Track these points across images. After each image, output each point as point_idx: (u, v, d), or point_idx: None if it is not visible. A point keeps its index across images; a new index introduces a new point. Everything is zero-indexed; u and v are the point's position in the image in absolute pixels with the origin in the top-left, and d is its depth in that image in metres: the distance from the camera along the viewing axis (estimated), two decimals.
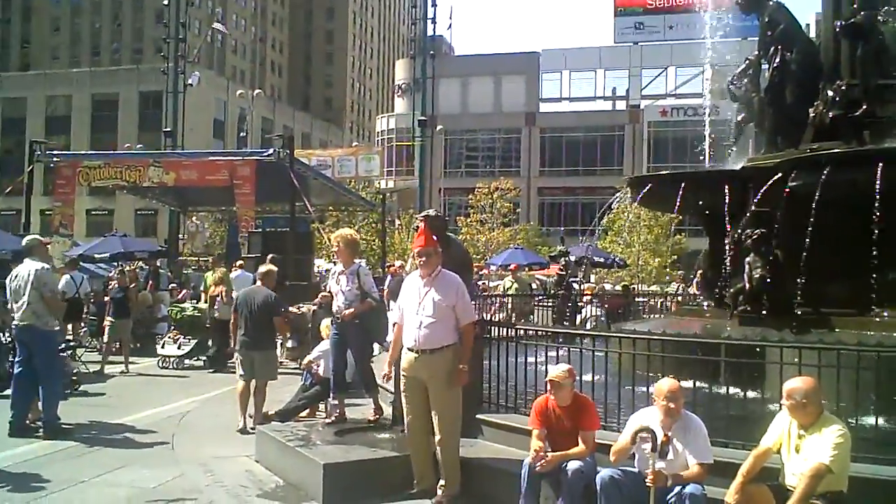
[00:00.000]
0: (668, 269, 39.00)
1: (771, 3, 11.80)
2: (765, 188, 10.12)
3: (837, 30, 10.65)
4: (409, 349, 6.61)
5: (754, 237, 10.21)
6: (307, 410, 9.94)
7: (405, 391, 6.75)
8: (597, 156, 60.47)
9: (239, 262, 18.59)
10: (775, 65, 11.46)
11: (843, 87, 10.72)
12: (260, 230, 23.79)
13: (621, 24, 61.50)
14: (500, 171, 57.49)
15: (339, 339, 8.63)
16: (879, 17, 10.40)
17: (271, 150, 22.22)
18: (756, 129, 12.20)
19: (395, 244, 38.16)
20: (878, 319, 9.71)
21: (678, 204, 10.71)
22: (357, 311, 8.42)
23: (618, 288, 24.22)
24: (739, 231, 10.49)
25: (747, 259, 10.45)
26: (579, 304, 17.68)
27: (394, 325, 7.10)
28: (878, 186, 8.65)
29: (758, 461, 5.31)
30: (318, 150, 63.02)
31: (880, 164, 8.78)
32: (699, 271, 12.68)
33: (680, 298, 18.34)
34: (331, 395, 9.00)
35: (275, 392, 10.54)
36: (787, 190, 9.78)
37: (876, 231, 9.17)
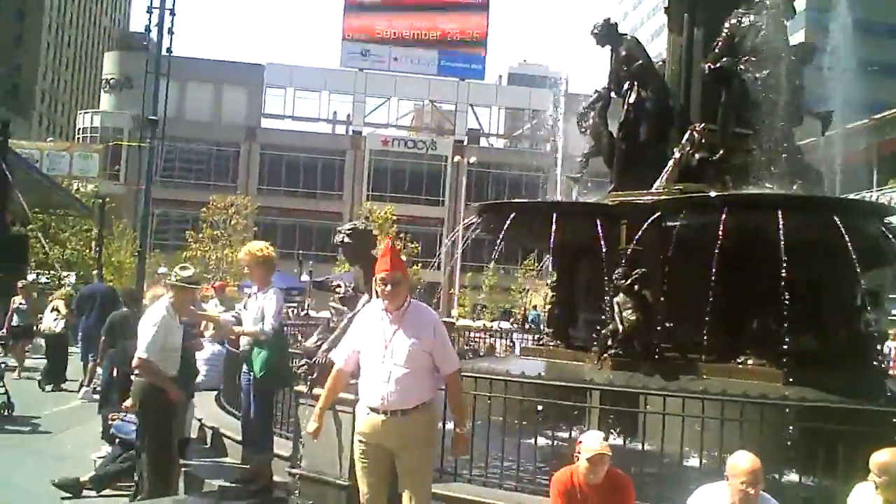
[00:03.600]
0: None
1: (628, 37, 11.64)
2: (644, 227, 9.72)
3: (706, 73, 10.58)
4: (372, 409, 4.93)
5: (632, 278, 9.72)
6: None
7: (364, 462, 5.04)
8: (317, 179, 59.37)
9: None
10: (631, 101, 11.23)
11: (707, 131, 10.70)
12: None
13: (348, 49, 61.34)
14: (215, 186, 54.23)
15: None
16: (740, 66, 10.49)
17: None
18: (605, 163, 11.87)
19: (110, 256, 33.66)
20: (741, 367, 9.66)
21: (552, 235, 9.90)
22: (248, 333, 6.76)
23: None
24: (612, 271, 9.97)
25: (616, 300, 9.96)
26: None
27: (337, 370, 5.33)
28: (780, 233, 8.44)
29: None
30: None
31: (779, 211, 8.60)
32: (548, 308, 12.03)
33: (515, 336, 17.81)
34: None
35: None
36: (673, 230, 9.41)
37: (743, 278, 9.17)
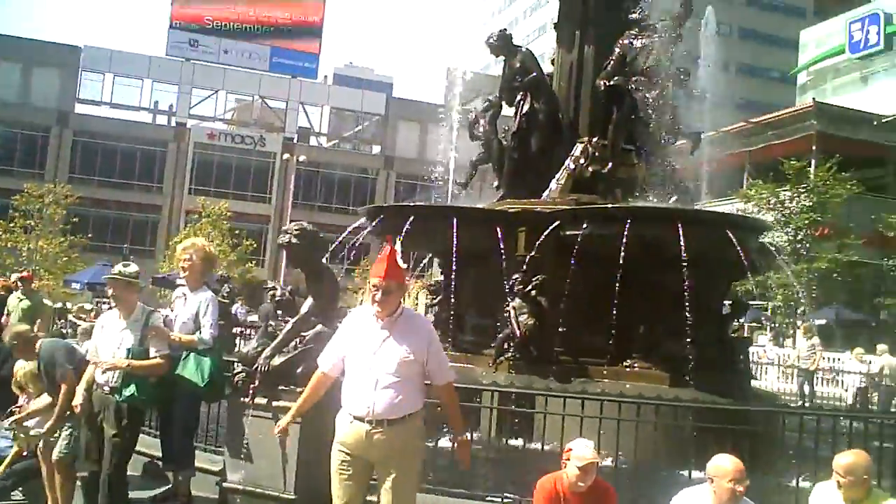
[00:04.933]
0: None
1: (523, 49, 11.92)
2: (545, 234, 10.01)
3: (601, 89, 11.03)
4: (356, 418, 4.69)
5: (533, 283, 9.98)
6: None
7: (343, 474, 4.80)
8: (135, 169, 56.08)
9: None
10: (524, 112, 11.53)
11: (600, 145, 11.16)
12: None
13: (175, 38, 58.45)
14: (20, 173, 49.91)
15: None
16: (631, 85, 11.02)
17: None
18: (494, 171, 12.09)
19: None
20: (629, 370, 10.16)
21: (455, 239, 9.96)
22: (184, 341, 6.16)
23: None
24: (509, 276, 10.18)
25: (513, 305, 10.19)
26: None
27: (321, 373, 5.08)
28: (680, 246, 8.94)
29: None
30: None
31: (678, 224, 9.12)
32: (433, 311, 12.04)
33: None
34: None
35: None
36: (573, 239, 9.74)
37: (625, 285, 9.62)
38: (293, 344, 6.05)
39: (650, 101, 10.95)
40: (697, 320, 10.18)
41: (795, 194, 28.03)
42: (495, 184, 12.33)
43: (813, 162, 30.58)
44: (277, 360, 5.93)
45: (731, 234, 9.20)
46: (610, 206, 10.11)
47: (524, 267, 10.10)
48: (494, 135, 12.05)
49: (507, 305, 10.17)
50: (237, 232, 41.10)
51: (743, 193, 28.74)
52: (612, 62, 11.26)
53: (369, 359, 4.67)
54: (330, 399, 6.14)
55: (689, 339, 9.98)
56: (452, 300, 10.57)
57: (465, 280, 11.38)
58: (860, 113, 34.43)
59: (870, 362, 17.10)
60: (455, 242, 10.25)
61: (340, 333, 5.01)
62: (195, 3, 59.75)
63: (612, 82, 11.03)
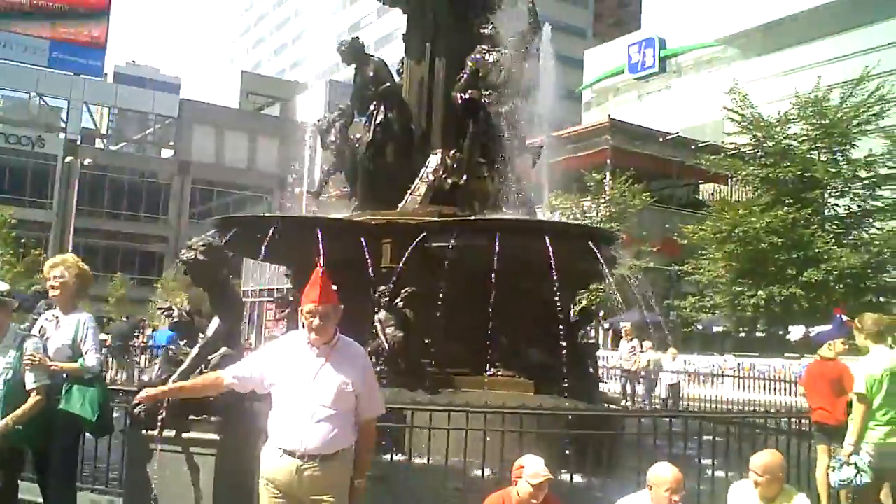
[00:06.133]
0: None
1: (375, 58, 11.84)
2: (412, 245, 10.00)
3: (459, 102, 11.17)
4: (286, 452, 4.32)
5: (400, 296, 9.92)
6: None
7: None
8: None
9: None
10: (378, 122, 11.47)
11: (456, 157, 11.31)
12: None
13: None
14: None
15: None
16: (485, 99, 11.26)
17: None
18: (347, 180, 11.90)
19: None
20: (493, 380, 10.36)
21: (319, 249, 9.67)
22: (67, 370, 5.49)
23: None
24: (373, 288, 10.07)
25: (378, 317, 10.09)
26: None
27: (227, 377, 4.74)
28: (547, 256, 9.26)
29: None
30: None
31: (545, 237, 9.45)
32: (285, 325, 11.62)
33: None
34: None
35: None
36: (442, 251, 9.80)
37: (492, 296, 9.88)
38: (199, 370, 5.61)
39: (502, 114, 11.23)
40: (555, 328, 10.62)
41: (595, 204, 29.86)
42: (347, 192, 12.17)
43: (608, 174, 32.78)
44: None
45: (592, 246, 9.63)
46: (480, 217, 10.26)
47: (391, 279, 10.03)
48: (346, 144, 11.86)
49: (373, 318, 10.04)
50: (23, 241, 37.62)
51: (549, 204, 30.23)
52: (465, 75, 11.42)
53: (304, 389, 4.33)
54: (247, 431, 5.78)
55: (540, 347, 10.42)
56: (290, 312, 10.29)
57: None
58: (648, 130, 37.34)
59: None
60: (305, 254, 10.00)
61: (263, 355, 4.68)
62: None
63: (467, 95, 11.19)
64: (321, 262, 4.75)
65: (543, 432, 7.52)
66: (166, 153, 63.24)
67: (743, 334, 31.47)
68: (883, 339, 6.30)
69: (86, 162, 49.66)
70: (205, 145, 60.04)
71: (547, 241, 9.34)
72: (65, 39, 56.71)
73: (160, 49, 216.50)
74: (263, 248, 9.83)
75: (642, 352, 18.09)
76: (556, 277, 9.51)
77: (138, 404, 5.56)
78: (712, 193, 37.82)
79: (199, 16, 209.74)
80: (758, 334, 30.78)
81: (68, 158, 51.34)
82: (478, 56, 11.41)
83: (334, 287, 4.59)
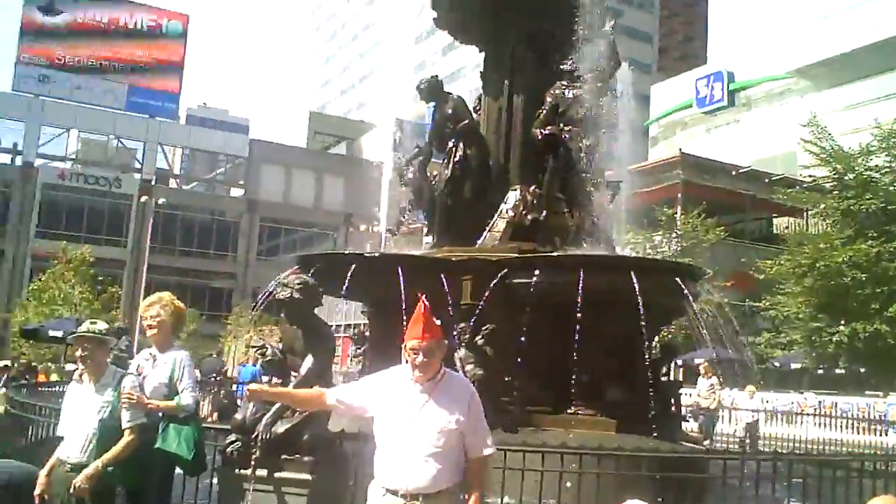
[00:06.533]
0: None
1: (454, 96, 11.87)
2: (493, 282, 9.90)
3: (538, 139, 11.12)
4: (389, 491, 4.27)
5: (482, 333, 9.81)
6: None
7: None
8: None
9: None
10: (457, 159, 11.45)
11: (536, 192, 11.23)
12: None
13: (23, 72, 55.09)
14: None
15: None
16: (565, 135, 11.18)
17: None
18: (426, 218, 11.92)
19: None
20: (574, 417, 10.13)
21: (403, 289, 9.65)
22: (163, 408, 5.51)
23: None
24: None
25: (458, 355, 9.97)
26: None
27: (328, 396, 4.69)
28: (635, 293, 9.07)
29: None
30: None
31: (631, 273, 9.26)
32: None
33: None
34: None
35: None
36: (531, 286, 9.66)
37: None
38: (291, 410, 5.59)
39: (582, 150, 11.13)
40: (638, 366, 10.37)
41: (667, 239, 29.38)
42: (425, 231, 12.17)
43: (679, 208, 32.28)
44: (280, 428, 5.44)
45: (679, 281, 9.40)
46: (562, 253, 10.13)
47: (471, 316, 9.93)
48: (425, 181, 11.88)
49: (453, 355, 9.93)
50: (100, 278, 38.76)
51: (623, 239, 29.89)
52: (544, 111, 11.38)
53: (407, 426, 4.28)
54: (339, 471, 5.73)
55: (623, 384, 10.17)
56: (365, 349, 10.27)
57: (399, 330, 11.07)
58: (720, 163, 36.77)
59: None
60: (383, 292, 10.01)
61: (369, 385, 4.62)
62: (46, 39, 56.60)
63: (547, 131, 11.13)
64: (422, 300, 4.68)
65: (622, 474, 7.27)
66: (236, 192, 64.65)
67: (821, 371, 30.43)
68: None
69: (160, 201, 51.04)
70: (273, 184, 61.23)
71: (632, 276, 9.15)
72: (140, 80, 58.82)
73: (230, 90, 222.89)
74: (345, 285, 9.86)
75: (720, 389, 17.56)
76: (641, 313, 9.31)
77: (232, 442, 5.58)
78: (786, 227, 36.90)
79: (268, 58, 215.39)
80: (837, 371, 29.72)
81: (143, 198, 52.84)
82: (557, 92, 11.36)
83: (438, 322, 4.54)
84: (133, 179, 57.27)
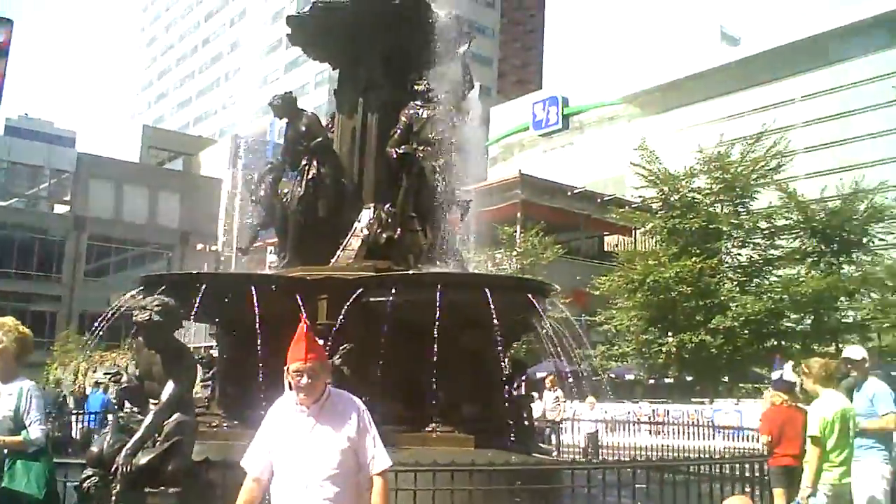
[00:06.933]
0: None
1: (308, 113, 11.77)
2: (350, 301, 9.83)
3: (394, 157, 11.18)
4: None
5: (340, 353, 9.71)
6: None
7: None
8: None
9: None
10: (310, 177, 11.34)
11: (390, 211, 11.26)
12: None
13: None
14: None
15: None
16: (419, 154, 11.30)
17: None
18: (277, 235, 11.68)
19: None
20: (434, 435, 10.20)
21: (256, 308, 9.44)
22: (9, 444, 5.07)
23: None
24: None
25: None
26: None
27: (252, 480, 4.43)
28: (490, 310, 9.25)
29: None
30: None
31: (487, 290, 9.46)
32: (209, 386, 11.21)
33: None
34: None
35: None
36: (388, 305, 9.65)
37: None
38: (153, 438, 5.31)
39: (435, 169, 11.28)
40: (493, 381, 10.59)
41: (508, 257, 30.26)
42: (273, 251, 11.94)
43: (519, 227, 33.33)
44: (142, 459, 5.15)
45: (532, 299, 9.69)
46: (419, 272, 10.19)
47: (328, 336, 9.80)
48: (277, 199, 11.66)
49: None
50: None
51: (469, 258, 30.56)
52: (399, 130, 11.45)
53: (299, 453, 4.11)
54: (206, 499, 5.50)
55: (478, 401, 10.36)
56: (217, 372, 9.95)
57: (253, 351, 10.79)
58: (556, 184, 38.29)
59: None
60: (239, 312, 9.74)
61: (263, 428, 4.44)
62: None
63: (401, 150, 11.20)
64: (303, 321, 4.56)
65: (477, 489, 7.39)
66: (60, 209, 60.82)
67: (653, 381, 32.22)
68: (831, 382, 6.52)
69: None
70: (103, 200, 58.05)
71: (488, 294, 9.34)
72: None
73: (54, 102, 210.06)
74: (195, 307, 9.48)
75: (565, 401, 18.24)
76: (497, 330, 9.52)
77: (89, 477, 5.23)
78: (616, 245, 38.92)
79: (97, 69, 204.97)
80: (667, 380, 31.56)
81: None
82: (411, 111, 11.46)
83: (319, 342, 4.44)
84: None
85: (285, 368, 4.35)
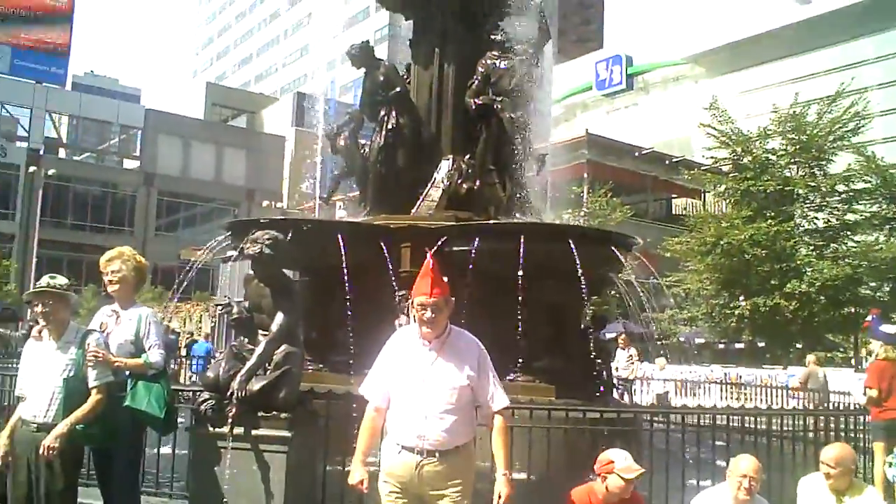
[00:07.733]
0: None
1: (386, 62, 11.73)
2: (432, 250, 9.81)
3: (472, 108, 11.10)
4: (405, 448, 4.27)
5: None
6: None
7: None
8: None
9: None
10: (389, 127, 11.33)
11: (470, 162, 11.23)
12: None
13: None
14: None
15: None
16: (497, 105, 11.19)
17: None
18: (357, 185, 11.77)
19: None
20: (516, 384, 10.22)
21: (343, 255, 9.53)
22: (131, 366, 5.26)
23: None
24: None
25: (398, 322, 9.90)
26: None
27: (374, 409, 4.55)
28: (575, 262, 9.19)
29: None
30: None
31: (570, 241, 9.39)
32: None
33: None
34: None
35: None
36: (472, 254, 9.65)
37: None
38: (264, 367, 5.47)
39: (514, 121, 11.18)
40: (574, 334, 10.59)
41: (575, 218, 30.03)
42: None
43: (585, 187, 33.01)
44: (255, 385, 5.30)
45: (615, 251, 9.61)
46: (503, 221, 10.18)
47: (410, 283, 9.86)
48: (357, 149, 11.72)
49: (394, 322, 9.88)
50: None
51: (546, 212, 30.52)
52: (477, 81, 11.35)
53: (419, 384, 4.29)
54: (314, 426, 5.64)
55: (557, 352, 10.35)
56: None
57: (338, 297, 10.95)
58: (623, 144, 37.72)
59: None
60: (323, 259, 9.87)
61: (383, 359, 4.54)
62: None
63: (479, 101, 11.12)
64: (430, 256, 4.67)
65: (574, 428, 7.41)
66: (129, 164, 62.18)
67: (722, 346, 31.85)
68: None
69: (49, 172, 48.61)
70: (170, 157, 59.16)
71: (572, 245, 9.29)
72: (27, 46, 55.63)
73: (119, 59, 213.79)
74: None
75: (638, 360, 18.18)
76: (573, 281, 9.48)
77: (206, 400, 5.41)
78: (685, 208, 38.29)
79: (159, 26, 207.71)
80: (737, 346, 31.16)
81: (31, 169, 50.19)
82: (489, 62, 11.34)
83: (444, 278, 4.51)
84: (18, 149, 54.25)
85: (409, 302, 4.47)
